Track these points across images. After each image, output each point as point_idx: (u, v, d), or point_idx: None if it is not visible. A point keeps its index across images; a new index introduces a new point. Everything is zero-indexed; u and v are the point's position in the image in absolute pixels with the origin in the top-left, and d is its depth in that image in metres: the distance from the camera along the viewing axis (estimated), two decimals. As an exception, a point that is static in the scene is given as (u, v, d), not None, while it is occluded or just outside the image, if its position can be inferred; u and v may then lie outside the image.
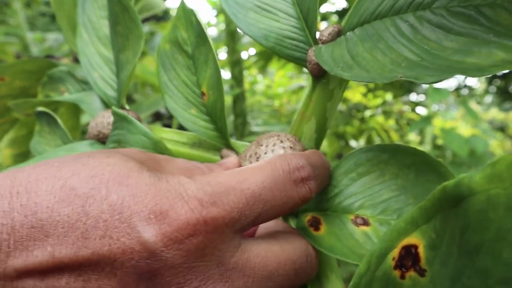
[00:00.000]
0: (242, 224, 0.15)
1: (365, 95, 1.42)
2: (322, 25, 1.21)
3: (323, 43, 0.21)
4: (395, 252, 0.14)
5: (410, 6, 0.17)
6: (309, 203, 0.20)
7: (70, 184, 0.14)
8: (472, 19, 0.14)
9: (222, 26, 1.21)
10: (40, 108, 0.31)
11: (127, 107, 0.28)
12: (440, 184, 0.16)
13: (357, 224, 0.18)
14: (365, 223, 0.18)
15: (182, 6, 0.25)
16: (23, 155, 0.47)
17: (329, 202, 0.19)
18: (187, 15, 0.24)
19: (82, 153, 0.16)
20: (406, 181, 0.17)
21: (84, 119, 0.59)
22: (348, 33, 0.19)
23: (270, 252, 0.16)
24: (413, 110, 1.45)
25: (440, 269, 0.13)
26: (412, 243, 0.14)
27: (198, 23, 0.24)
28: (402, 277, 0.14)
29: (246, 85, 1.49)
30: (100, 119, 0.27)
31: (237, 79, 0.99)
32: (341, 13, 1.10)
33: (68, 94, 0.35)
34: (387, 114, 1.41)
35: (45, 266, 0.12)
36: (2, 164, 0.49)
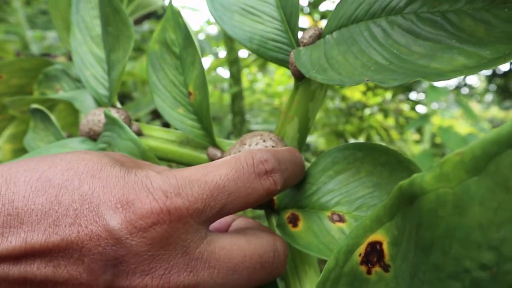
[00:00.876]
0: (207, 215, 0.15)
1: (364, 93, 1.42)
2: (323, 23, 1.21)
3: (304, 45, 0.21)
4: (362, 249, 0.15)
5: (383, 10, 0.17)
6: (289, 200, 0.21)
7: (46, 175, 0.14)
8: (438, 24, 0.15)
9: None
10: (34, 106, 0.32)
11: (118, 105, 0.29)
12: None
13: (333, 221, 0.19)
14: (341, 219, 0.19)
15: (171, 8, 0.25)
16: (23, 150, 0.48)
17: (307, 199, 0.20)
18: (175, 17, 0.25)
19: (64, 153, 0.17)
20: (380, 178, 0.18)
21: (82, 116, 0.60)
22: (327, 36, 0.20)
23: (235, 245, 0.16)
24: (412, 108, 1.45)
25: (402, 264, 0.14)
26: (377, 240, 0.14)
27: (185, 25, 0.24)
28: (368, 272, 0.15)
29: (246, 84, 1.50)
30: (91, 116, 0.27)
31: (235, 77, 1.00)
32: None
33: (63, 92, 0.36)
34: (386, 112, 1.41)
35: (18, 251, 0.13)
36: (3, 159, 0.50)
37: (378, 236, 0.14)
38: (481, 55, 0.13)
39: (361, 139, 1.43)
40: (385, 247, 0.14)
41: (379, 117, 1.45)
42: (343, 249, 0.15)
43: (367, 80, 0.14)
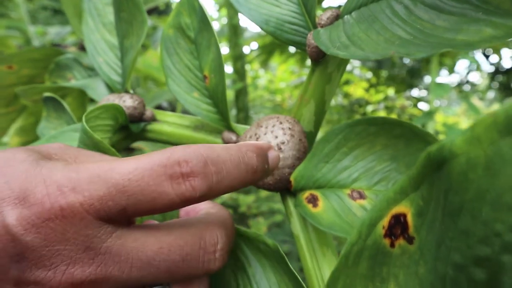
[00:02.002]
0: (107, 214, 0.14)
1: (367, 90, 1.42)
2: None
3: (321, 27, 0.21)
4: (385, 221, 0.15)
5: (404, -12, 0.17)
6: (306, 181, 0.21)
7: None
8: (463, -1, 0.15)
9: (225, 20, 1.21)
10: (47, 94, 0.32)
11: (131, 91, 0.29)
12: None
13: (353, 198, 0.19)
14: (361, 196, 0.19)
15: (185, -8, 0.25)
16: (31, 143, 0.48)
17: (324, 178, 0.20)
18: (190, 1, 0.25)
19: None
20: (396, 150, 0.18)
21: (91, 107, 0.60)
22: (346, 16, 0.20)
23: (152, 236, 0.15)
24: (415, 105, 1.45)
25: (427, 235, 0.14)
26: (401, 212, 0.14)
27: (200, 8, 0.24)
28: (392, 245, 0.15)
29: (248, 80, 1.50)
30: (105, 102, 0.28)
31: (240, 73, 1.00)
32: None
33: (74, 81, 0.36)
34: (389, 109, 1.41)
35: None
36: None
37: (402, 208, 0.14)
38: (508, 26, 0.13)
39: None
40: (409, 218, 0.14)
41: (382, 114, 1.45)
42: (366, 222, 0.15)
43: (393, 53, 0.14)
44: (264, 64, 1.29)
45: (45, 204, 0.14)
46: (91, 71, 0.36)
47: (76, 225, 0.14)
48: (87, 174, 0.14)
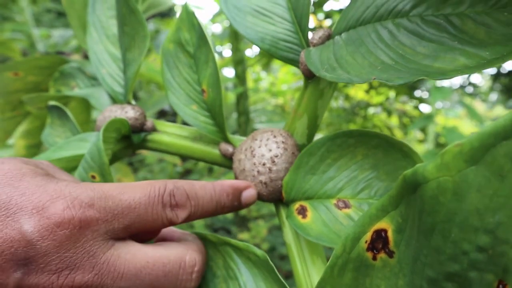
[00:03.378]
0: (114, 229, 0.17)
1: (367, 92, 1.43)
2: (326, 23, 1.22)
3: (314, 45, 0.22)
4: (368, 236, 0.16)
5: (390, 13, 0.18)
6: (296, 192, 0.22)
7: None
8: (442, 27, 0.16)
9: (227, 22, 1.22)
10: (52, 102, 0.33)
11: (133, 102, 0.30)
12: (405, 161, 0.18)
13: (339, 208, 0.20)
14: (346, 205, 0.20)
15: (186, 9, 0.26)
16: (35, 146, 0.49)
17: (312, 189, 0.21)
18: (190, 18, 0.26)
19: None
20: (376, 160, 0.19)
21: (94, 114, 0.61)
22: (336, 37, 0.21)
23: (141, 251, 0.18)
24: (416, 107, 1.46)
25: (405, 250, 0.15)
26: (382, 228, 0.15)
27: (199, 25, 0.25)
28: (374, 258, 0.16)
29: (250, 83, 1.51)
30: (108, 113, 0.29)
31: (241, 77, 1.01)
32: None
33: (78, 89, 0.37)
34: (389, 111, 1.42)
35: None
36: (16, 155, 0.51)
37: (383, 224, 0.15)
38: (481, 56, 0.14)
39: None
40: (390, 234, 0.15)
41: (383, 116, 1.45)
42: (350, 236, 0.16)
43: (374, 79, 0.15)
44: (266, 66, 1.30)
45: (65, 215, 0.16)
46: (94, 80, 0.37)
47: (88, 236, 0.16)
48: (103, 194, 0.17)
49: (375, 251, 0.16)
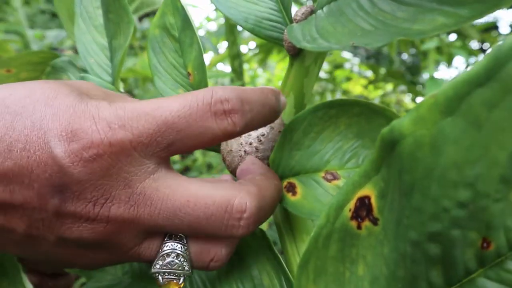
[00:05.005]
0: (153, 150, 0.15)
1: (365, 87, 1.43)
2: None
3: (297, 22, 0.22)
4: (351, 204, 0.15)
5: (370, -18, 0.18)
6: (283, 169, 0.22)
7: (5, 103, 0.15)
8: (421, -10, 0.16)
9: (222, 20, 1.22)
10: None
11: (122, 90, 0.30)
12: None
13: (328, 180, 0.20)
14: (335, 177, 0.20)
15: (169, -7, 0.26)
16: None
17: (299, 165, 0.21)
18: (174, 1, 0.26)
19: (28, 81, 0.17)
20: (359, 128, 0.19)
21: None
22: (318, 11, 0.21)
23: (182, 187, 0.16)
24: (413, 100, 1.45)
25: (388, 215, 0.14)
26: (366, 195, 0.15)
27: (183, 8, 0.25)
28: (359, 227, 0.15)
29: (247, 79, 1.51)
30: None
31: (237, 72, 1.00)
32: None
33: (67, 82, 0.37)
34: (386, 105, 1.41)
35: None
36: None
37: (366, 190, 0.15)
38: (459, 14, 0.14)
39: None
40: (373, 201, 0.15)
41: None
42: (334, 205, 0.16)
43: (353, 44, 0.15)
44: (262, 63, 1.30)
45: (94, 139, 0.14)
46: (84, 72, 0.37)
47: (122, 161, 0.15)
48: (135, 112, 0.15)
49: (359, 219, 0.15)
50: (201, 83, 0.25)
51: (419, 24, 0.15)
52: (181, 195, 0.16)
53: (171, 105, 0.15)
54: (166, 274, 0.16)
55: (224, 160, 0.24)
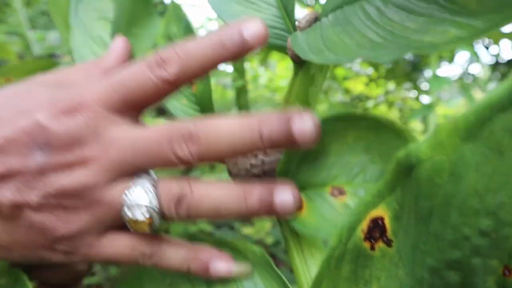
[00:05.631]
0: (112, 104, 0.19)
1: (367, 84, 1.42)
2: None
3: (301, 30, 0.21)
4: (364, 225, 0.15)
5: (378, -10, 0.17)
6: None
7: None
8: (431, -1, 0.15)
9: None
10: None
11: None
12: (398, 141, 0.17)
13: (334, 195, 0.19)
14: (341, 192, 0.19)
15: (172, 3, 0.26)
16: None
17: (305, 178, 0.20)
18: (176, 10, 0.25)
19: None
20: (368, 142, 0.19)
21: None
22: (323, 18, 0.20)
23: (136, 128, 0.19)
24: (416, 98, 1.44)
25: (404, 238, 0.14)
26: (379, 215, 0.14)
27: (185, 17, 0.25)
28: (372, 248, 0.15)
29: (249, 78, 1.50)
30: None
31: (239, 71, 1.00)
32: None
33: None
34: (390, 103, 1.41)
35: None
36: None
37: (379, 211, 0.14)
38: (473, 26, 0.13)
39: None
40: (387, 222, 0.14)
41: (383, 108, 1.44)
42: (346, 226, 0.15)
43: (363, 58, 0.14)
44: (264, 62, 1.29)
45: (69, 103, 0.19)
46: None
47: (90, 116, 0.18)
48: (98, 81, 0.20)
49: (372, 240, 0.15)
50: (204, 93, 0.24)
51: (430, 36, 0.14)
52: (137, 132, 0.19)
53: (122, 72, 0.19)
54: (133, 206, 0.18)
55: (229, 173, 0.24)
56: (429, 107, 1.00)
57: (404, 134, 0.18)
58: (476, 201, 0.10)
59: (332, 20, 0.19)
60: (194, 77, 0.19)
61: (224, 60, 0.19)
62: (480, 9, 0.13)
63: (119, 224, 0.19)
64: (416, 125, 1.66)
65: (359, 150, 0.19)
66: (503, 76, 1.53)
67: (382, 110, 1.46)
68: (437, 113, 1.08)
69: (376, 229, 0.15)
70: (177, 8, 0.26)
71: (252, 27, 0.18)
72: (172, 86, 0.19)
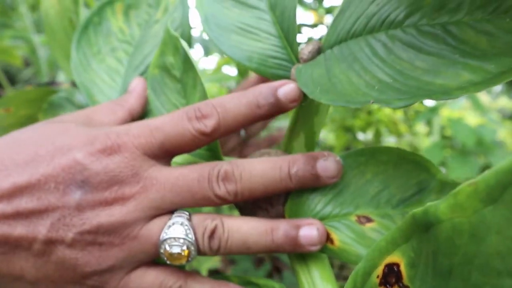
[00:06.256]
0: (151, 149, 0.20)
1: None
2: (327, 19, 1.20)
3: (304, 61, 0.21)
4: (379, 270, 0.14)
5: (382, 24, 0.17)
6: (305, 215, 0.20)
7: (22, 138, 0.20)
8: (440, 38, 0.15)
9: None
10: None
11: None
12: (418, 172, 0.17)
13: (362, 223, 0.19)
14: (369, 220, 0.19)
15: (168, 33, 0.25)
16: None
17: (324, 210, 0.20)
18: (173, 41, 0.25)
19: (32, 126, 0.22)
20: (386, 175, 0.18)
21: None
22: (327, 51, 0.20)
23: (176, 168, 0.20)
24: (420, 102, 1.43)
25: (421, 285, 0.13)
26: (394, 262, 0.14)
27: (183, 49, 0.24)
28: (388, 293, 0.14)
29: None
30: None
31: (244, 74, 0.99)
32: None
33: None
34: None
35: (7, 191, 0.18)
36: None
37: (394, 257, 0.14)
38: (486, 69, 0.13)
39: (370, 133, 1.41)
40: (402, 268, 0.14)
41: (388, 110, 1.43)
42: (361, 271, 0.15)
43: (372, 102, 0.14)
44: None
45: (107, 143, 0.19)
46: (81, 108, 0.36)
47: (128, 157, 0.19)
48: (135, 125, 0.20)
49: (388, 286, 0.14)
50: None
51: (442, 79, 0.13)
52: (176, 171, 0.20)
53: (160, 118, 0.20)
54: (171, 240, 0.19)
55: (237, 206, 0.23)
56: (434, 109, 0.99)
57: (424, 163, 0.18)
58: (498, 262, 0.10)
59: (337, 54, 0.18)
60: (229, 131, 0.20)
61: (258, 118, 0.20)
62: (491, 49, 0.13)
63: (150, 260, 0.20)
64: (420, 128, 1.64)
65: (377, 184, 0.19)
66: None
67: (386, 113, 1.44)
68: (441, 115, 1.07)
69: (392, 275, 0.14)
70: (174, 38, 0.25)
71: (286, 90, 0.20)
72: (208, 138, 0.20)
